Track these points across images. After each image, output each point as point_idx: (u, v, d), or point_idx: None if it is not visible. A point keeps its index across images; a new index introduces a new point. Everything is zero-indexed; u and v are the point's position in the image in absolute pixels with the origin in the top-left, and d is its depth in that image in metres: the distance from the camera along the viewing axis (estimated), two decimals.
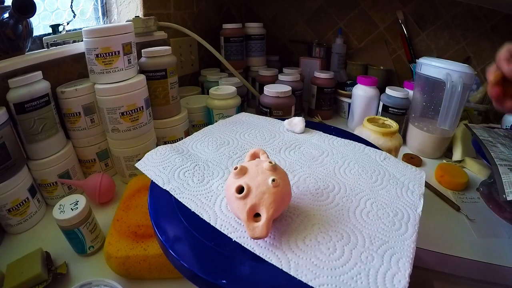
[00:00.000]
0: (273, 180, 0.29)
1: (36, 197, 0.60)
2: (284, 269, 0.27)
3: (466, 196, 0.66)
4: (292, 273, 0.26)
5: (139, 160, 0.44)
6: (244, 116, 0.61)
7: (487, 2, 0.90)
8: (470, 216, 0.60)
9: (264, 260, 0.28)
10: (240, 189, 0.29)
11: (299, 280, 0.26)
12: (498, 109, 0.44)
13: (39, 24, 0.75)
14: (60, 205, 0.49)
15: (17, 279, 0.43)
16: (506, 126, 0.86)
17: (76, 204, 0.49)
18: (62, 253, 0.52)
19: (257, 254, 0.28)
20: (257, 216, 0.29)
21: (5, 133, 0.53)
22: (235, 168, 0.30)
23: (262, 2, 1.31)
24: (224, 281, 0.26)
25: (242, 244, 0.29)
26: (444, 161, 0.81)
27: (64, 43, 0.69)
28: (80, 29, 0.61)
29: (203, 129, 0.54)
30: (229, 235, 0.31)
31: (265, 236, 0.27)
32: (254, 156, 0.34)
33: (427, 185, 0.68)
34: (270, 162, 0.30)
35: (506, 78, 0.41)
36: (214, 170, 0.41)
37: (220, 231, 0.31)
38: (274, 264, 0.27)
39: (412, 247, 0.30)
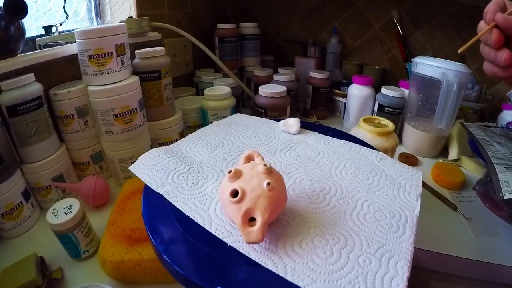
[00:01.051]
0: (268, 184, 0.28)
1: (30, 201, 0.59)
2: (280, 274, 0.26)
3: (463, 195, 0.67)
4: (288, 278, 0.26)
5: (133, 162, 0.44)
6: (239, 117, 0.61)
7: (481, 1, 0.90)
8: (466, 215, 0.60)
9: (260, 265, 0.27)
10: (234, 193, 0.28)
11: (295, 285, 0.25)
12: (498, 76, 0.39)
13: (32, 26, 0.74)
14: (53, 209, 0.49)
15: (11, 285, 0.42)
16: (502, 124, 0.86)
17: (70, 208, 0.49)
18: (57, 257, 0.51)
19: (253, 259, 0.28)
20: (252, 220, 0.28)
21: None
22: (229, 172, 0.30)
23: (256, 2, 1.30)
24: (219, 287, 0.25)
25: (237, 249, 0.29)
26: (440, 160, 0.81)
27: (57, 44, 0.68)
28: (74, 30, 0.61)
29: (198, 130, 0.54)
30: (224, 240, 0.30)
31: (260, 241, 0.27)
32: (249, 158, 0.34)
33: (424, 185, 0.68)
34: (265, 165, 0.30)
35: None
36: (208, 172, 0.41)
37: (215, 236, 0.31)
38: (270, 269, 0.27)
39: (410, 249, 0.29)
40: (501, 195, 0.50)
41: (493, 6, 0.38)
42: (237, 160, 0.44)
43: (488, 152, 0.60)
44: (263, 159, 0.33)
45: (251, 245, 0.29)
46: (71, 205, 0.49)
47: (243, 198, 0.28)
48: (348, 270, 0.27)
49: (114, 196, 0.67)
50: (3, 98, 0.53)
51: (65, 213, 0.48)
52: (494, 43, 0.37)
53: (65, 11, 0.78)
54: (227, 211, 0.29)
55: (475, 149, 0.74)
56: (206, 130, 0.54)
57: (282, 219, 0.32)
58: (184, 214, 0.34)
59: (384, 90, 0.87)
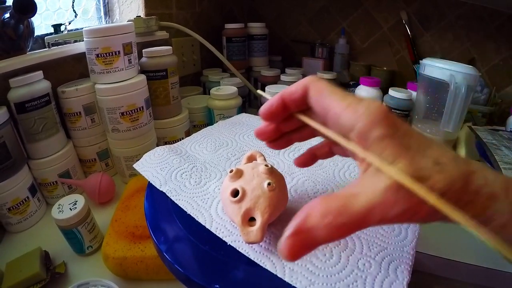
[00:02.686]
0: (269, 184, 0.28)
1: (36, 196, 0.60)
2: (278, 275, 0.26)
3: None
4: (286, 279, 0.26)
5: (139, 160, 0.44)
6: (244, 117, 0.61)
7: (491, 2, 0.88)
8: None
9: (259, 265, 0.27)
10: (235, 193, 0.29)
11: (293, 286, 0.25)
12: None
13: (41, 24, 0.75)
14: (59, 205, 0.49)
15: (16, 278, 0.43)
16: (511, 128, 0.84)
17: (75, 204, 0.49)
18: (61, 252, 0.52)
19: (252, 259, 0.28)
20: (252, 220, 0.28)
21: (5, 132, 0.53)
22: (231, 171, 0.30)
23: (264, 2, 1.30)
24: (217, 286, 0.26)
25: (237, 248, 0.29)
26: None
27: (65, 43, 0.69)
28: (82, 28, 0.62)
29: (202, 130, 0.54)
30: (224, 239, 0.30)
31: (259, 241, 0.27)
32: (251, 158, 0.34)
33: None
34: (266, 165, 0.30)
35: None
36: (211, 172, 0.41)
37: (216, 235, 0.31)
38: (269, 269, 0.27)
39: (412, 254, 0.29)
40: None
41: None
42: (241, 160, 0.44)
43: (495, 157, 0.59)
44: (265, 159, 0.33)
45: (250, 245, 0.29)
46: (76, 201, 0.50)
47: (243, 198, 0.28)
48: (347, 273, 0.26)
49: (119, 193, 0.67)
50: (12, 95, 0.54)
51: (70, 208, 0.48)
52: None
53: (74, 10, 0.79)
54: (227, 210, 0.29)
55: (482, 153, 0.73)
56: (210, 129, 0.54)
57: (282, 220, 0.32)
58: (185, 212, 0.34)
59: (392, 92, 0.86)
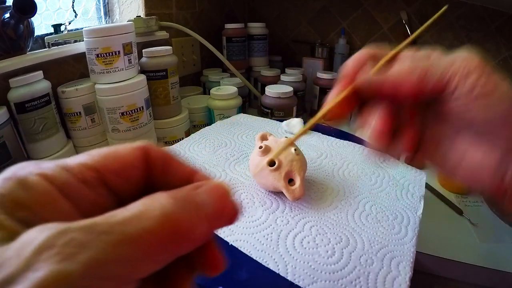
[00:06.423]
0: (295, 150, 0.34)
1: None
2: (281, 274, 0.26)
3: (470, 200, 0.65)
4: (289, 277, 0.26)
5: None
6: (242, 117, 0.61)
7: (491, 2, 0.89)
8: (473, 220, 0.59)
9: (261, 264, 0.27)
10: (272, 163, 0.33)
11: (297, 284, 0.25)
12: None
13: (41, 24, 0.75)
14: None
15: None
16: None
17: None
18: None
19: (254, 258, 0.28)
20: (290, 181, 0.33)
21: (5, 132, 0.53)
22: (260, 147, 0.34)
23: (264, 2, 1.30)
24: (221, 287, 0.25)
25: (239, 248, 0.29)
26: None
27: (65, 42, 0.69)
28: (82, 28, 0.62)
29: (200, 130, 0.54)
30: (225, 239, 0.30)
31: (303, 195, 0.31)
32: (263, 137, 0.38)
33: (430, 188, 0.67)
34: (286, 137, 0.36)
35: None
36: (211, 172, 0.41)
37: (217, 235, 0.31)
38: (271, 268, 0.27)
39: (412, 251, 0.29)
40: None
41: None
42: (240, 160, 0.44)
43: None
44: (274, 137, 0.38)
45: (253, 243, 0.29)
46: None
47: (280, 165, 0.33)
48: (350, 270, 0.26)
49: None
50: (12, 95, 0.54)
51: None
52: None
53: (74, 10, 0.79)
54: (266, 180, 0.34)
55: None
56: (209, 129, 0.54)
57: (283, 217, 0.32)
58: None
59: None
